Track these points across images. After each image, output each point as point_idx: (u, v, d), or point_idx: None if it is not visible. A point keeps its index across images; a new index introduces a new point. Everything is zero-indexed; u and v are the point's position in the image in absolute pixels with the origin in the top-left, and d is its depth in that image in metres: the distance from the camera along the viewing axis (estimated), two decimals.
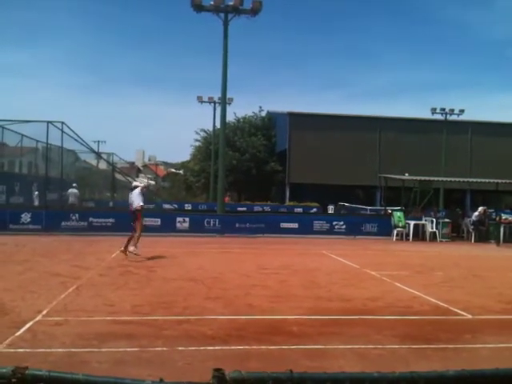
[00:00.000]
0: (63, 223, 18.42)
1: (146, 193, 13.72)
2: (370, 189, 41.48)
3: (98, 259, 11.96)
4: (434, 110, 38.82)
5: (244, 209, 34.11)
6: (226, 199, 31.50)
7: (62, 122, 19.91)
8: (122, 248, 12.21)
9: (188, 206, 32.91)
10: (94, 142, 50.54)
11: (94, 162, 38.49)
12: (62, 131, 20.01)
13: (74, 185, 25.59)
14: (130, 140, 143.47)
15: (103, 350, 5.10)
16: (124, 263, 11.35)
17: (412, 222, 19.80)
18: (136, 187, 12.80)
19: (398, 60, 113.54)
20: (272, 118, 49.31)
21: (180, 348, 5.18)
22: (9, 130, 22.03)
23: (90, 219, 18.78)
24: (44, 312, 6.54)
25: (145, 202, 12.93)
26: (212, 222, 19.52)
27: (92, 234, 17.79)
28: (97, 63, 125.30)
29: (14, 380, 1.60)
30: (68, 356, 4.88)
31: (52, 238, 16.42)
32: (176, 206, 25.73)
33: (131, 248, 11.98)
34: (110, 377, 1.67)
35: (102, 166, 38.72)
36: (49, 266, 10.59)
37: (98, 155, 34.39)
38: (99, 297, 7.68)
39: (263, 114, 50.63)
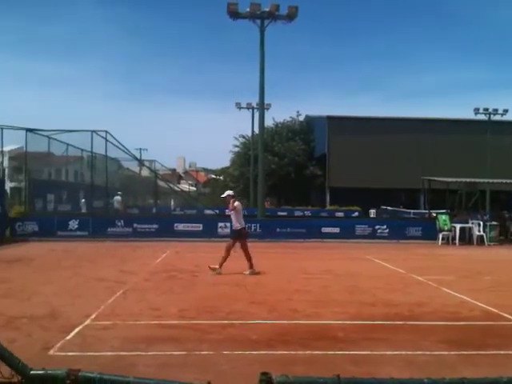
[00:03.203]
0: (109, 229, 18.95)
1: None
2: (413, 192, 40.62)
3: (142, 264, 12.21)
4: (477, 111, 37.79)
5: (284, 213, 33.97)
6: (266, 204, 31.49)
7: (106, 131, 20.35)
8: (247, 272, 11.13)
9: (229, 212, 33.07)
10: (136, 149, 51.66)
11: (136, 170, 39.33)
12: (106, 140, 20.44)
13: (119, 192, 26.53)
14: (171, 147, 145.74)
15: (150, 353, 5.19)
16: (167, 268, 11.53)
17: (458, 226, 19.27)
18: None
19: (436, 61, 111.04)
20: (310, 121, 49.08)
21: (225, 352, 5.21)
22: (55, 139, 22.65)
23: (135, 225, 19.24)
24: (92, 316, 6.71)
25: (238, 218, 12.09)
26: (253, 227, 19.55)
27: (136, 239, 18.19)
28: (134, 72, 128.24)
29: (68, 382, 1.66)
30: (116, 359, 4.99)
31: (98, 244, 16.87)
32: (217, 211, 25.86)
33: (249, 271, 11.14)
34: (159, 380, 1.70)
35: (145, 173, 39.50)
36: (95, 272, 10.87)
37: (141, 163, 35.10)
38: (145, 301, 7.82)
39: (301, 118, 50.53)
